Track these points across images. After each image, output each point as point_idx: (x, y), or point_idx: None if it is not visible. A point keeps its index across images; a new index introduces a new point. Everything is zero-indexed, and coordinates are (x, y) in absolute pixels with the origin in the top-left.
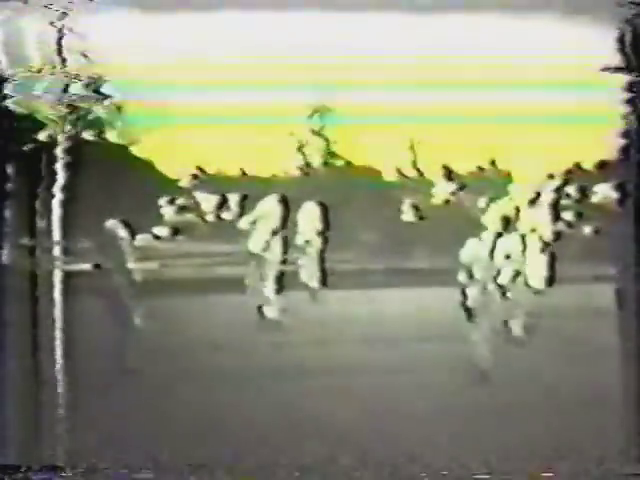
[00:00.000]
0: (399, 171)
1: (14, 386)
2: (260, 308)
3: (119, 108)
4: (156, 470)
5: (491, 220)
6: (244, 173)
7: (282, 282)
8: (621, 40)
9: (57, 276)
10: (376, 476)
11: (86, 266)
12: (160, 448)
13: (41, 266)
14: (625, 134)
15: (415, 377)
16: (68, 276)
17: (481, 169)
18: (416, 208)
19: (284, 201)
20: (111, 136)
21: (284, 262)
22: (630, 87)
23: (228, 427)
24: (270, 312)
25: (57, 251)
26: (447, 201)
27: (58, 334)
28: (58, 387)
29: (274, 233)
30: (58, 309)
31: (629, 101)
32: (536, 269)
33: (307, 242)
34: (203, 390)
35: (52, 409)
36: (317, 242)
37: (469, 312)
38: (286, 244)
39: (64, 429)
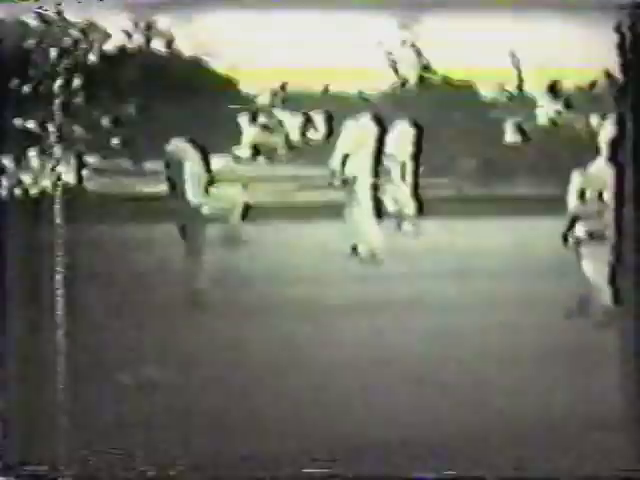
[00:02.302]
0: (501, 86)
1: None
2: (349, 237)
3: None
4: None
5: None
6: (327, 90)
7: (373, 209)
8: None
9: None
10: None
11: (159, 188)
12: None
13: (110, 188)
14: None
15: (513, 315)
16: (138, 199)
17: (592, 84)
18: (520, 129)
19: (377, 120)
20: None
21: (375, 187)
22: None
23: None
24: (360, 242)
25: (126, 173)
26: (554, 122)
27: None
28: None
29: (367, 155)
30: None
31: None
32: None
33: (400, 166)
34: (280, 324)
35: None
36: (410, 166)
37: (577, 245)
38: (378, 168)
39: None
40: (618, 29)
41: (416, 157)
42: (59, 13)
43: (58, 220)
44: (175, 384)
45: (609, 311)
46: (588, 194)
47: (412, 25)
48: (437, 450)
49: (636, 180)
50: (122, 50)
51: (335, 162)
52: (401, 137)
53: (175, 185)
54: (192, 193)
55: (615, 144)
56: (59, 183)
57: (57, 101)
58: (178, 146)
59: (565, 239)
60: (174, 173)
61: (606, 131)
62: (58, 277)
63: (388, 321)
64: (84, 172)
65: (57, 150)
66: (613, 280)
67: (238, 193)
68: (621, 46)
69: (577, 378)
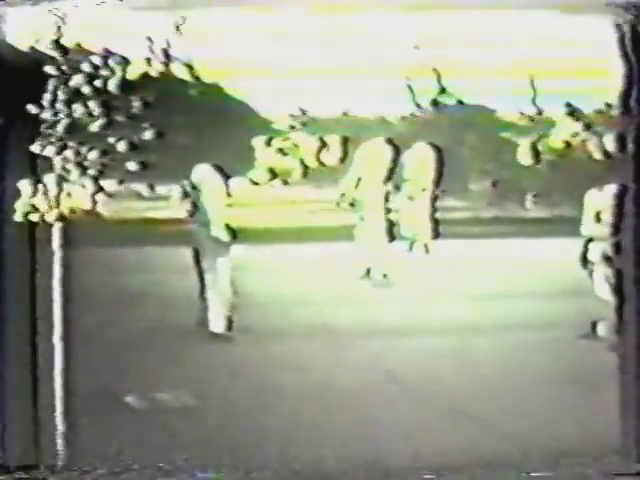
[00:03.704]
0: (518, 110)
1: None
2: (364, 260)
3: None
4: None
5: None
6: (346, 114)
7: (389, 232)
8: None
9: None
10: (490, 436)
11: (177, 212)
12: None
13: (129, 212)
14: None
15: (529, 336)
16: (157, 223)
17: (608, 106)
18: (534, 151)
19: (392, 144)
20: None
21: (389, 211)
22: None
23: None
24: (375, 265)
25: (146, 197)
26: (568, 143)
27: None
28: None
29: (380, 178)
30: (142, 258)
31: None
32: None
33: (416, 188)
34: (292, 347)
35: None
36: (429, 188)
37: (590, 267)
38: (394, 191)
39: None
40: None
41: (436, 180)
42: (78, 44)
43: (72, 244)
44: (181, 407)
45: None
46: (603, 216)
47: (427, 47)
48: (447, 473)
49: None
50: (142, 76)
51: (346, 185)
52: (419, 159)
53: (195, 209)
54: (210, 217)
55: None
56: (74, 208)
57: (74, 126)
58: (201, 171)
59: (584, 262)
60: (194, 197)
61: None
62: (71, 300)
63: (401, 343)
64: (99, 197)
65: (73, 175)
66: (621, 302)
67: (254, 215)
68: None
69: (588, 399)
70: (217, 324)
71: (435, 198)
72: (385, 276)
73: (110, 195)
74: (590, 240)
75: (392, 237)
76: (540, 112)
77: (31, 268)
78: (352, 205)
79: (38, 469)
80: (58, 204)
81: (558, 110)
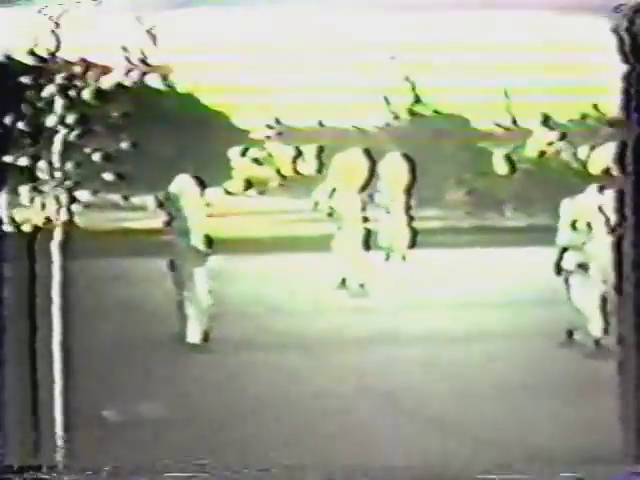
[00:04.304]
0: (492, 120)
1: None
2: (341, 270)
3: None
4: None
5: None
6: (321, 124)
7: (365, 242)
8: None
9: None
10: (460, 449)
11: (152, 223)
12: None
13: (105, 223)
14: None
15: (507, 344)
16: (134, 233)
17: (584, 116)
18: (509, 160)
19: (368, 154)
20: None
21: (366, 220)
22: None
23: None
24: (352, 274)
25: (123, 207)
26: (543, 152)
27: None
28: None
29: (355, 188)
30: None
31: None
32: None
33: (391, 198)
34: (272, 358)
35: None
36: (402, 198)
37: (566, 275)
38: (369, 201)
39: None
40: None
41: (410, 190)
42: (53, 53)
43: (50, 255)
44: (163, 420)
45: (600, 342)
46: (579, 224)
47: (403, 57)
48: None
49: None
50: (117, 86)
51: (319, 194)
52: (393, 169)
53: (171, 220)
54: (188, 227)
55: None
56: (50, 218)
57: (51, 137)
58: (179, 180)
59: (558, 270)
60: (171, 207)
61: (596, 161)
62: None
63: (377, 353)
64: (75, 207)
65: (48, 186)
66: (604, 311)
67: (230, 226)
68: None
69: (569, 409)
70: (195, 335)
71: (409, 208)
72: (362, 286)
73: (86, 206)
74: (565, 249)
75: (369, 247)
76: (515, 122)
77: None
78: (330, 215)
79: (40, 470)
80: (34, 215)
81: (533, 120)
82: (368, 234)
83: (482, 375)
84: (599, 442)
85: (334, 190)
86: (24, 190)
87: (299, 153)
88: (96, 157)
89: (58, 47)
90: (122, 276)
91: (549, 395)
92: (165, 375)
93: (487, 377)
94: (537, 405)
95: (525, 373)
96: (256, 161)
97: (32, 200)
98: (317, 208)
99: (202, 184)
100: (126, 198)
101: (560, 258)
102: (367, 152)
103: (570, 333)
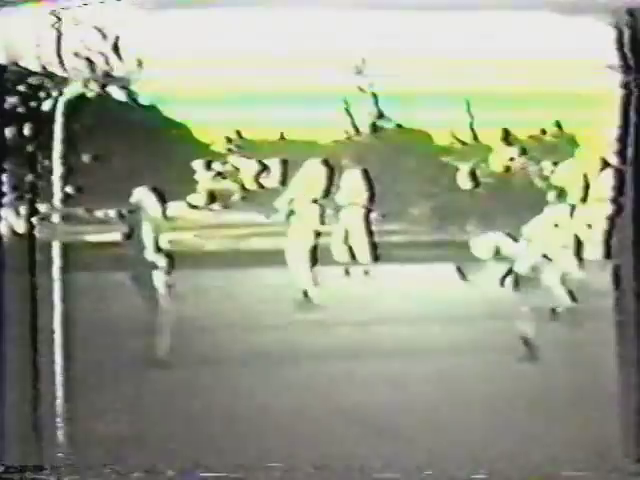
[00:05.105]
0: (454, 135)
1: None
2: (300, 284)
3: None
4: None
5: (556, 187)
6: (283, 137)
7: (324, 256)
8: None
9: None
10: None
11: (114, 236)
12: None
13: (66, 236)
14: None
15: (466, 360)
16: (94, 247)
17: (544, 132)
18: (473, 175)
19: (328, 166)
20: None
21: (327, 234)
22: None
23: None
24: (311, 289)
25: (82, 220)
26: (507, 168)
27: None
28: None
29: (316, 202)
30: (81, 282)
31: None
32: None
33: (351, 212)
34: (234, 373)
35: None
36: (362, 212)
37: (519, 289)
38: (329, 214)
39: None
40: None
41: (369, 204)
42: (15, 63)
43: (10, 269)
44: (128, 436)
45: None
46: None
47: (367, 71)
48: None
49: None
50: (78, 97)
51: (278, 204)
52: (352, 183)
53: (132, 233)
54: (148, 241)
55: None
56: (8, 231)
57: (11, 149)
58: (140, 194)
59: (502, 283)
60: (131, 221)
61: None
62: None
63: (337, 368)
64: (34, 220)
65: (8, 198)
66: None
67: (191, 240)
68: None
69: (530, 421)
70: (154, 350)
71: (369, 222)
72: (321, 300)
73: (45, 218)
74: (520, 262)
75: (329, 261)
76: (476, 137)
77: None
78: (289, 226)
79: (40, 470)
80: None
81: (493, 135)
82: (328, 248)
83: (445, 390)
84: (554, 457)
85: (292, 201)
86: None
87: (263, 167)
88: (57, 170)
89: (19, 56)
90: (81, 290)
91: (508, 409)
92: (127, 391)
93: (450, 392)
94: (502, 419)
95: (488, 387)
96: (220, 174)
97: None
98: (274, 218)
99: (162, 197)
100: (88, 211)
101: (508, 273)
102: (327, 164)
103: (527, 344)
